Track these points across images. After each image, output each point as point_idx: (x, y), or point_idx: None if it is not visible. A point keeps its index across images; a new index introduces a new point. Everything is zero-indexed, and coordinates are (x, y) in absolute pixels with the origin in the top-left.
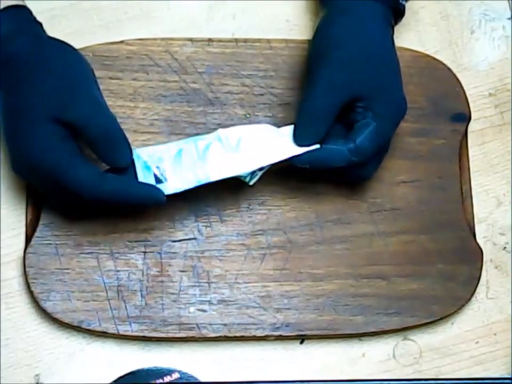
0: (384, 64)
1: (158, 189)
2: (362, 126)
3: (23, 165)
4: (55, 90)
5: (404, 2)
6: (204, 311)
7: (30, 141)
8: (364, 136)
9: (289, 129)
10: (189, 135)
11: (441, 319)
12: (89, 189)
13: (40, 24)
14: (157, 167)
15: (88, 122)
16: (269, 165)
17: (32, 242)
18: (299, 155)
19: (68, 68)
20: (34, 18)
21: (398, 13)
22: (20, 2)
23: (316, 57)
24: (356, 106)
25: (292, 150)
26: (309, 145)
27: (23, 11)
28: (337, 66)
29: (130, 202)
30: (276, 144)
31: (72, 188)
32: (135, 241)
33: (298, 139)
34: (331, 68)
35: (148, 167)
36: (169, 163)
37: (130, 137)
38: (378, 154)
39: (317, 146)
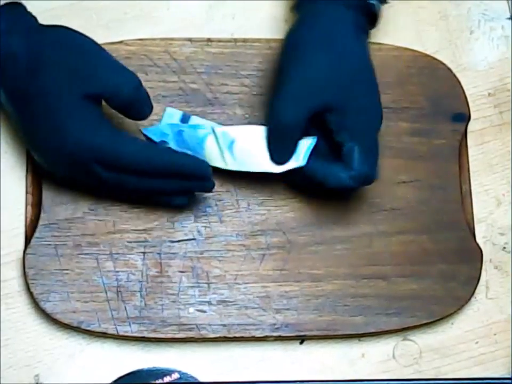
0: (355, 72)
1: (206, 162)
2: (349, 152)
3: (63, 155)
4: (74, 69)
5: (374, 2)
6: (203, 311)
7: (70, 127)
8: (357, 162)
9: None
10: None
11: (441, 319)
12: (139, 160)
13: (35, 18)
14: (162, 141)
15: (116, 88)
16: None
17: (31, 243)
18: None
19: (75, 45)
20: (28, 13)
21: (372, 16)
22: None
23: (282, 69)
24: (327, 118)
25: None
26: (285, 162)
27: (15, 8)
28: (302, 80)
29: (181, 172)
30: (265, 155)
31: (125, 163)
32: (135, 242)
33: (275, 158)
34: (295, 82)
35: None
36: (172, 138)
37: None
38: (376, 163)
39: (301, 164)
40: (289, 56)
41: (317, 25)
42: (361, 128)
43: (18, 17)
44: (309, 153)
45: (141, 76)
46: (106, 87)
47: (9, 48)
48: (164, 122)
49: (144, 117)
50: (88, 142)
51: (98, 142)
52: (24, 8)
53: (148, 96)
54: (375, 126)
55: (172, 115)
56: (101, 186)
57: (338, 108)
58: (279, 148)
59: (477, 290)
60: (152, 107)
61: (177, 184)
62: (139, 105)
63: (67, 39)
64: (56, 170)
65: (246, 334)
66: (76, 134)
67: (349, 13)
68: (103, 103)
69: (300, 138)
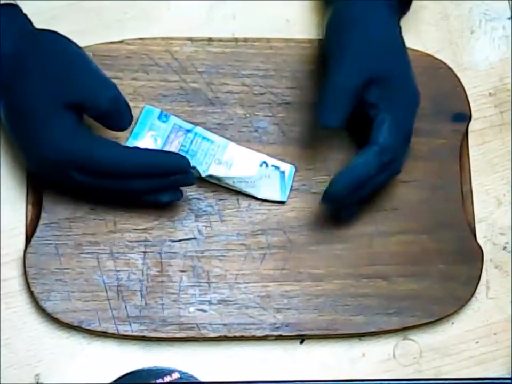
0: (396, 52)
1: (183, 156)
2: (378, 124)
3: (42, 158)
4: (56, 76)
5: None
6: (204, 311)
7: (48, 132)
8: (385, 133)
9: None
10: None
11: (441, 319)
12: (115, 164)
13: (28, 19)
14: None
15: (96, 98)
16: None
17: (32, 242)
18: (332, 185)
19: (60, 52)
20: (23, 14)
21: (404, 2)
22: (8, 1)
23: (332, 47)
24: (371, 90)
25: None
26: (333, 125)
27: (9, 9)
28: (354, 52)
29: (157, 171)
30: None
31: (101, 167)
32: (135, 241)
33: (324, 119)
34: (349, 52)
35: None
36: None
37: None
38: (404, 144)
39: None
40: (335, 38)
41: (355, 8)
42: (400, 102)
43: (11, 20)
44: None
45: (142, 75)
46: (84, 97)
47: (1, 48)
48: (143, 119)
49: (122, 128)
50: (64, 149)
51: (74, 149)
52: (19, 9)
53: (128, 108)
54: (413, 107)
55: (151, 112)
56: (85, 190)
57: (382, 80)
58: (330, 108)
59: (477, 290)
60: (131, 119)
61: (158, 182)
62: (117, 117)
63: (52, 45)
64: (40, 175)
65: (247, 334)
66: (53, 141)
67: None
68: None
69: (351, 106)
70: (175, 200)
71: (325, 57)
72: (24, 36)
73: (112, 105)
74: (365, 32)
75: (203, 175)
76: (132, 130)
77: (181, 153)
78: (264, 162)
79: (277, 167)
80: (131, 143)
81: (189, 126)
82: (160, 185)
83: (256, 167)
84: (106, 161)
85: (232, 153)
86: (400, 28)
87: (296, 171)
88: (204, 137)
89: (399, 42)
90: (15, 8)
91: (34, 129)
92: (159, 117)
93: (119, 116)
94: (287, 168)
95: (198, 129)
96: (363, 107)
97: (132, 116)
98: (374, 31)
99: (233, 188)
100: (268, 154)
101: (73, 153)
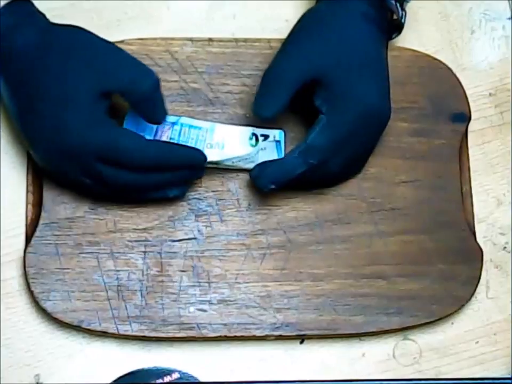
0: (356, 60)
1: (199, 151)
2: (315, 124)
3: (64, 145)
4: (91, 65)
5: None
6: (204, 310)
7: (75, 119)
8: (314, 134)
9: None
10: None
11: (441, 319)
12: (138, 154)
13: (43, 15)
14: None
15: (133, 85)
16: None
17: (32, 242)
18: (260, 178)
19: (91, 43)
20: (37, 10)
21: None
22: None
23: (291, 35)
24: (318, 93)
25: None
26: (267, 116)
27: (23, 5)
28: (307, 46)
29: (175, 164)
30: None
31: (126, 157)
32: (135, 241)
33: (257, 108)
34: (300, 45)
35: None
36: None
37: None
38: (337, 147)
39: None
40: (299, 27)
41: (329, 9)
42: (340, 106)
43: (27, 13)
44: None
45: None
46: (124, 81)
47: (18, 42)
48: (128, 120)
49: (157, 118)
50: (91, 137)
51: (101, 137)
52: (32, 4)
53: (163, 100)
54: (356, 111)
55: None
56: (96, 185)
57: (329, 86)
58: (268, 100)
59: (477, 290)
60: (166, 112)
61: (172, 175)
62: (155, 104)
63: (84, 36)
64: (54, 168)
65: (247, 333)
66: (79, 127)
67: (361, 6)
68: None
69: (286, 100)
70: (180, 196)
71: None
72: (47, 28)
73: (152, 91)
74: (325, 34)
75: None
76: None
77: None
78: (254, 134)
79: (266, 135)
80: None
81: (174, 118)
82: (173, 179)
83: (247, 141)
84: (132, 152)
85: (221, 134)
86: (379, 40)
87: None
88: (190, 126)
89: (369, 52)
90: (28, 3)
91: (60, 118)
92: None
93: (157, 104)
94: (276, 134)
95: (183, 119)
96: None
97: (166, 110)
98: (339, 33)
99: (233, 167)
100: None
101: (100, 142)
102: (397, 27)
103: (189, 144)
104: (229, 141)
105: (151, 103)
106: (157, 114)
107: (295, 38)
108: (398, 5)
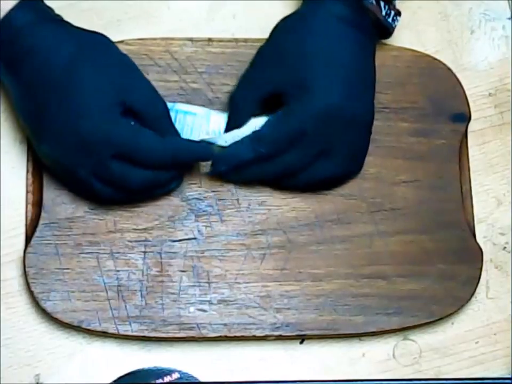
0: (319, 62)
1: (207, 145)
2: (271, 117)
3: (80, 136)
4: (115, 76)
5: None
6: (204, 311)
7: (96, 112)
8: (267, 124)
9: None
10: None
11: (441, 319)
12: (156, 151)
13: (57, 14)
14: None
15: (146, 106)
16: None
17: (32, 242)
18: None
19: (116, 55)
20: (50, 8)
21: (366, 11)
22: None
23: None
24: (282, 100)
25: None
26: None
27: (38, 2)
28: (261, 63)
29: (188, 161)
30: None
31: (141, 154)
32: (135, 241)
33: (226, 129)
34: (255, 64)
35: None
36: None
37: None
38: (298, 144)
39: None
40: (268, 40)
41: (296, 15)
42: (297, 102)
43: (42, 9)
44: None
45: None
46: (138, 101)
47: (37, 40)
48: None
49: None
50: (111, 133)
51: (122, 134)
52: (42, 1)
53: (173, 126)
54: (314, 107)
55: None
56: (103, 185)
57: (289, 92)
58: (229, 121)
59: (477, 290)
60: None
61: (178, 171)
62: (160, 131)
63: (106, 49)
64: (65, 164)
65: (247, 334)
66: (100, 124)
67: (333, 6)
68: None
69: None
70: (177, 187)
71: None
72: (71, 31)
73: (157, 119)
74: (284, 44)
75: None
76: None
77: None
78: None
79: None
80: None
81: (169, 104)
82: (176, 174)
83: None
84: (151, 150)
85: (216, 123)
86: (355, 41)
87: None
88: (185, 112)
89: (340, 54)
90: (39, 1)
91: (79, 111)
92: None
93: (161, 132)
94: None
95: (178, 105)
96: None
97: (177, 132)
98: (299, 42)
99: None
100: None
101: (120, 137)
102: (386, 28)
103: (184, 131)
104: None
105: (159, 127)
106: (163, 133)
107: (259, 56)
108: (382, 4)
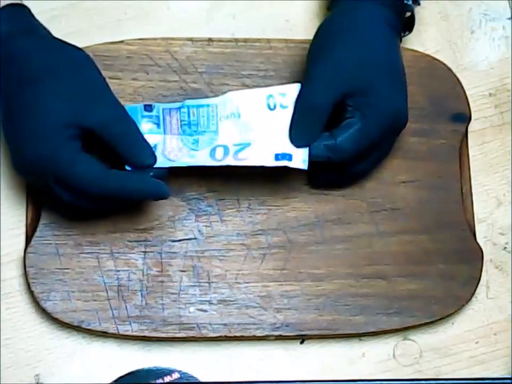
0: (382, 66)
1: (162, 184)
2: (346, 124)
3: (26, 163)
4: (73, 95)
5: (410, 4)
6: (204, 311)
7: (39, 141)
8: (346, 135)
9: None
10: None
11: (441, 319)
12: (94, 184)
13: (40, 24)
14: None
15: (108, 128)
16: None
17: (32, 242)
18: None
19: (80, 71)
20: (34, 17)
21: (407, 17)
22: (18, 1)
23: (314, 54)
24: (346, 103)
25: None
26: (304, 145)
27: (22, 10)
28: (332, 64)
29: (135, 197)
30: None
31: (77, 184)
32: (135, 241)
33: (295, 140)
34: (326, 65)
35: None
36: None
37: None
38: (363, 155)
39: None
40: (320, 44)
41: (349, 18)
42: (373, 115)
43: (20, 19)
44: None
45: (142, 75)
46: (98, 123)
47: (6, 53)
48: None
49: (142, 163)
50: (47, 157)
51: (57, 159)
52: (28, 10)
53: (145, 142)
54: (386, 122)
55: (135, 108)
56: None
57: (358, 95)
58: (305, 129)
59: (477, 290)
60: (153, 156)
61: (134, 202)
62: (131, 150)
63: (73, 64)
64: (26, 178)
65: (247, 334)
66: (39, 146)
67: (383, 11)
68: None
69: (323, 123)
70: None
71: (306, 62)
72: (45, 43)
73: (123, 138)
74: (348, 46)
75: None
76: None
77: (183, 126)
78: (270, 95)
79: (283, 94)
80: None
81: (177, 104)
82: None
83: (264, 105)
84: (85, 180)
85: (234, 102)
86: (398, 45)
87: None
88: (198, 106)
89: (390, 59)
90: (24, 9)
91: (31, 133)
92: (145, 109)
93: (133, 151)
94: (294, 88)
95: (188, 101)
96: (339, 113)
97: (152, 155)
98: (360, 45)
99: None
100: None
101: (55, 163)
102: (408, 26)
103: (201, 122)
104: (244, 107)
105: (128, 147)
106: (140, 159)
107: (320, 57)
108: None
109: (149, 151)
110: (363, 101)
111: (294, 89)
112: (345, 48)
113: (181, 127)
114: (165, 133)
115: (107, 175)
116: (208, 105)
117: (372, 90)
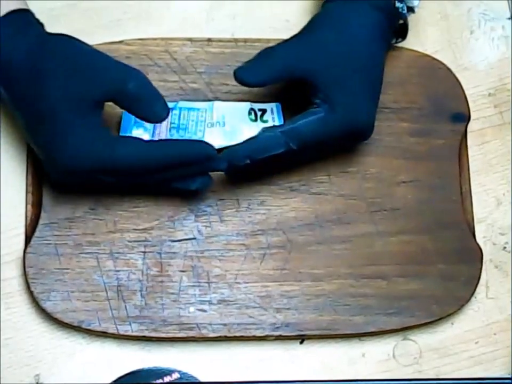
0: (359, 68)
1: (207, 144)
2: (310, 112)
3: (66, 170)
4: (77, 76)
5: (404, 12)
6: (204, 311)
7: (68, 141)
8: (306, 121)
9: None
10: None
11: (441, 319)
12: (142, 160)
13: (41, 25)
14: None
15: (122, 86)
16: None
17: (32, 242)
18: (237, 152)
19: (77, 50)
20: (36, 20)
21: (399, 23)
22: (21, 6)
23: (298, 33)
24: (311, 92)
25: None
26: (247, 82)
27: (22, 15)
28: (312, 40)
29: (185, 160)
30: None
31: (126, 167)
32: (135, 241)
33: (239, 72)
34: (304, 38)
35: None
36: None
37: None
38: (320, 147)
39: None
40: (306, 27)
41: (335, 15)
42: (341, 112)
43: (24, 24)
44: (280, 114)
45: None
46: (110, 86)
47: (11, 53)
48: (125, 116)
49: (158, 116)
50: (86, 157)
51: (96, 154)
52: (31, 14)
53: (159, 95)
54: (353, 127)
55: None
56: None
57: (326, 90)
58: (251, 66)
59: (477, 290)
60: (166, 107)
61: (185, 170)
62: (148, 103)
63: (66, 47)
64: (58, 178)
65: (247, 334)
66: (74, 150)
67: (374, 14)
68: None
69: (272, 76)
70: (205, 187)
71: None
72: (37, 41)
73: (140, 88)
74: (327, 34)
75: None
76: (120, 127)
77: (172, 130)
78: (252, 109)
79: (263, 110)
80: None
81: (171, 104)
82: (188, 173)
83: (246, 116)
84: (130, 160)
85: (220, 112)
86: (384, 50)
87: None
88: (189, 108)
89: (370, 62)
90: (28, 13)
91: (53, 139)
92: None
93: (150, 104)
94: (273, 107)
95: (181, 103)
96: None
97: (165, 104)
98: (341, 41)
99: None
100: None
101: (96, 159)
102: (401, 33)
103: (189, 128)
104: (228, 118)
105: (143, 102)
106: (154, 113)
107: (299, 34)
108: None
109: (163, 104)
110: (335, 97)
111: (273, 107)
112: (328, 35)
113: (169, 130)
114: (153, 135)
115: (149, 148)
116: (198, 109)
117: (345, 90)
